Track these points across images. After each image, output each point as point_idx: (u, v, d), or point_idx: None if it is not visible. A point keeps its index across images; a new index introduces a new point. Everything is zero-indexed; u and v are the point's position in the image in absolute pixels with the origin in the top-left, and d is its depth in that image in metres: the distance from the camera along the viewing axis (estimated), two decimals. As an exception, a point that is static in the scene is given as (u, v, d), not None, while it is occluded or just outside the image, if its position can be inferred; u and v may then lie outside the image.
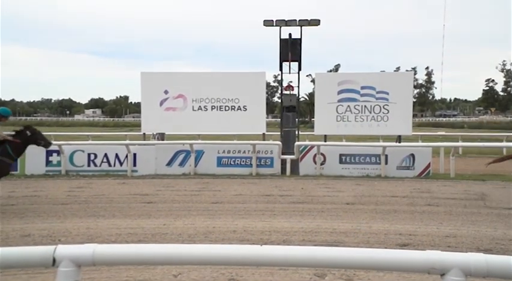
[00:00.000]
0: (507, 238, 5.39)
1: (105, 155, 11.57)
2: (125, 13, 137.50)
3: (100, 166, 11.55)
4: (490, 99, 72.78)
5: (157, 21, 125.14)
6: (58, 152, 11.49)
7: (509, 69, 67.85)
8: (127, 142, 14.07)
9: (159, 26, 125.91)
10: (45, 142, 7.54)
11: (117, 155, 11.55)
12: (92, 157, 11.58)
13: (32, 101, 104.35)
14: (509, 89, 69.94)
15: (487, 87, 73.12)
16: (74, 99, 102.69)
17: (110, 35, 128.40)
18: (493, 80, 72.00)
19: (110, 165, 11.59)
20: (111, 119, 74.97)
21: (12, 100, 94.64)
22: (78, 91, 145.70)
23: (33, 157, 11.53)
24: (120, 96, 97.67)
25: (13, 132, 7.34)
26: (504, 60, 68.20)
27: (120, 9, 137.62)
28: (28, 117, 74.90)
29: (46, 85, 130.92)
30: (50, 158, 11.53)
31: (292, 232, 5.65)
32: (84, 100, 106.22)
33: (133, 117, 73.29)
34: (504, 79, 69.48)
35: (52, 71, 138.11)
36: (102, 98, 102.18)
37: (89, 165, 11.54)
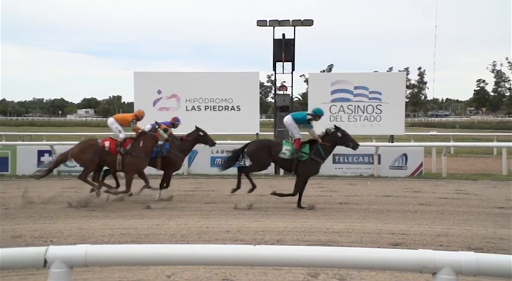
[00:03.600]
0: (497, 236, 5.45)
1: (98, 155, 11.48)
2: (119, 13, 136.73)
3: (93, 166, 11.45)
4: (481, 99, 73.47)
5: (152, 21, 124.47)
6: (50, 152, 11.39)
7: (500, 70, 68.61)
8: (120, 142, 13.97)
9: (154, 26, 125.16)
10: (353, 144, 7.54)
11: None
12: (85, 157, 11.47)
13: (23, 100, 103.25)
14: (499, 89, 70.68)
15: (478, 88, 73.85)
16: (66, 99, 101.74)
17: (103, 35, 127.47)
18: (484, 81, 72.77)
19: (102, 165, 11.49)
20: (104, 119, 74.39)
21: (3, 100, 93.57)
22: (70, 91, 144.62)
23: (25, 157, 11.43)
24: (113, 96, 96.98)
25: (323, 134, 7.49)
26: (494, 61, 68.93)
27: (114, 9, 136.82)
28: (20, 117, 74.07)
29: (38, 85, 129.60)
30: (42, 159, 11.43)
31: (286, 231, 5.66)
32: (76, 100, 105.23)
33: (127, 117, 72.73)
34: (494, 80, 70.23)
35: (44, 71, 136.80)
36: (94, 98, 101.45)
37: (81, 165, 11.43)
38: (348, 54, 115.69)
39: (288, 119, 7.66)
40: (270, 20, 12.35)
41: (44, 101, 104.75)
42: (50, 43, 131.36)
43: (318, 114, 7.60)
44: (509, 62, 65.61)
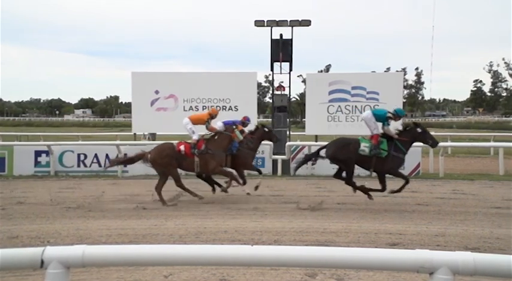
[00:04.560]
0: (494, 236, 5.46)
1: (95, 155, 11.47)
2: (117, 13, 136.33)
3: (90, 166, 11.44)
4: (477, 99, 73.72)
5: (150, 21, 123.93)
6: (47, 153, 11.36)
7: (496, 70, 68.84)
8: (117, 142, 13.97)
9: (152, 26, 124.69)
10: (432, 142, 7.42)
11: (107, 156, 11.45)
12: (82, 157, 11.47)
13: (20, 101, 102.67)
14: (496, 89, 70.93)
15: (475, 88, 74.11)
16: (63, 99, 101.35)
17: (102, 35, 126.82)
18: (481, 81, 73.00)
19: (100, 165, 11.47)
20: (102, 119, 74.30)
21: (0, 100, 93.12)
22: (67, 91, 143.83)
23: (22, 157, 11.39)
24: (111, 96, 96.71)
25: (400, 130, 7.42)
26: (491, 62, 69.15)
27: (112, 9, 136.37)
28: (16, 118, 73.75)
29: (35, 85, 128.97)
30: (39, 159, 11.40)
31: (283, 232, 5.66)
32: (74, 100, 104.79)
33: (124, 117, 72.59)
34: (491, 80, 70.50)
35: (42, 71, 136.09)
36: (92, 98, 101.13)
37: (78, 165, 11.43)
38: (345, 55, 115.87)
39: (367, 114, 7.63)
40: (267, 20, 12.36)
41: (41, 101, 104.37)
42: (48, 43, 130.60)
43: (398, 115, 7.54)
44: (505, 63, 65.82)
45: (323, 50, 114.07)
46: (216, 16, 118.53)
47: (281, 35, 12.36)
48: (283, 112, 12.60)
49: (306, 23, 12.36)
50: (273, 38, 12.39)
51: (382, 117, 7.46)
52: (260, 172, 8.51)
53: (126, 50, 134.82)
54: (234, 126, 8.04)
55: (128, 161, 8.54)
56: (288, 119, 12.80)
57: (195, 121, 8.17)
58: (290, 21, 12.31)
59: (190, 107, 12.40)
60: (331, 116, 12.19)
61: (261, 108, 62.44)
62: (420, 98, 76.02)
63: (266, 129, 8.56)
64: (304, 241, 5.25)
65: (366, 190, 7.42)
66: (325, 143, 8.31)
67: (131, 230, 5.76)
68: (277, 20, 12.34)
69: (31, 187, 9.43)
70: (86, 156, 11.44)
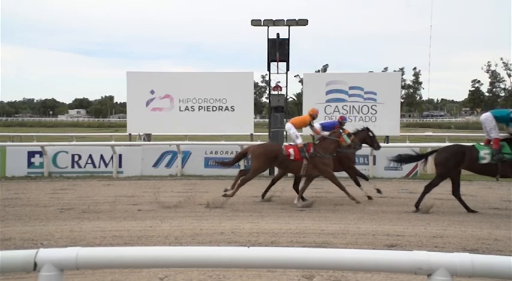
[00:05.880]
0: (492, 237, 5.45)
1: (90, 156, 11.39)
2: (112, 12, 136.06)
3: (84, 167, 11.37)
4: (476, 99, 74.12)
5: (145, 20, 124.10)
6: (40, 153, 11.26)
7: (494, 70, 69.25)
8: (112, 142, 13.90)
9: (147, 25, 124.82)
10: None
11: (102, 156, 11.39)
12: (76, 158, 11.39)
13: (13, 101, 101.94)
14: (494, 89, 71.34)
15: (473, 88, 74.50)
16: (57, 99, 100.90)
17: (96, 34, 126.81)
18: (479, 81, 73.41)
19: (94, 166, 11.41)
20: (96, 119, 74.07)
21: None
22: (61, 91, 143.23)
23: (15, 158, 11.29)
24: (105, 96, 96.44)
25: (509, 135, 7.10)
26: (489, 62, 69.58)
27: (107, 8, 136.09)
28: (9, 118, 73.31)
29: (28, 85, 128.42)
30: (32, 160, 11.30)
31: (280, 233, 5.62)
32: (68, 100, 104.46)
33: (119, 117, 72.43)
34: (489, 80, 70.92)
35: (34, 70, 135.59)
36: (86, 98, 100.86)
37: (72, 166, 11.34)
38: (343, 55, 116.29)
39: (487, 116, 7.14)
40: (264, 20, 12.31)
41: (35, 101, 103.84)
42: (41, 42, 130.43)
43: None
44: (504, 63, 66.39)
45: (320, 49, 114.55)
46: (213, 15, 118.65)
47: (278, 35, 12.33)
48: (280, 112, 12.56)
49: (303, 22, 12.32)
50: (269, 37, 12.35)
51: (505, 118, 7.05)
52: (367, 178, 8.36)
53: (122, 49, 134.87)
54: (342, 131, 7.97)
55: (231, 163, 8.28)
56: (284, 120, 12.74)
57: (298, 125, 8.18)
58: (287, 20, 12.27)
59: (186, 107, 12.35)
60: (328, 116, 12.16)
61: (258, 108, 62.51)
62: (418, 98, 76.34)
63: (370, 134, 8.29)
64: (302, 242, 5.21)
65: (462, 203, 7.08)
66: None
67: (126, 231, 5.70)
68: (273, 19, 12.30)
69: (24, 188, 9.34)
70: (80, 157, 11.36)
